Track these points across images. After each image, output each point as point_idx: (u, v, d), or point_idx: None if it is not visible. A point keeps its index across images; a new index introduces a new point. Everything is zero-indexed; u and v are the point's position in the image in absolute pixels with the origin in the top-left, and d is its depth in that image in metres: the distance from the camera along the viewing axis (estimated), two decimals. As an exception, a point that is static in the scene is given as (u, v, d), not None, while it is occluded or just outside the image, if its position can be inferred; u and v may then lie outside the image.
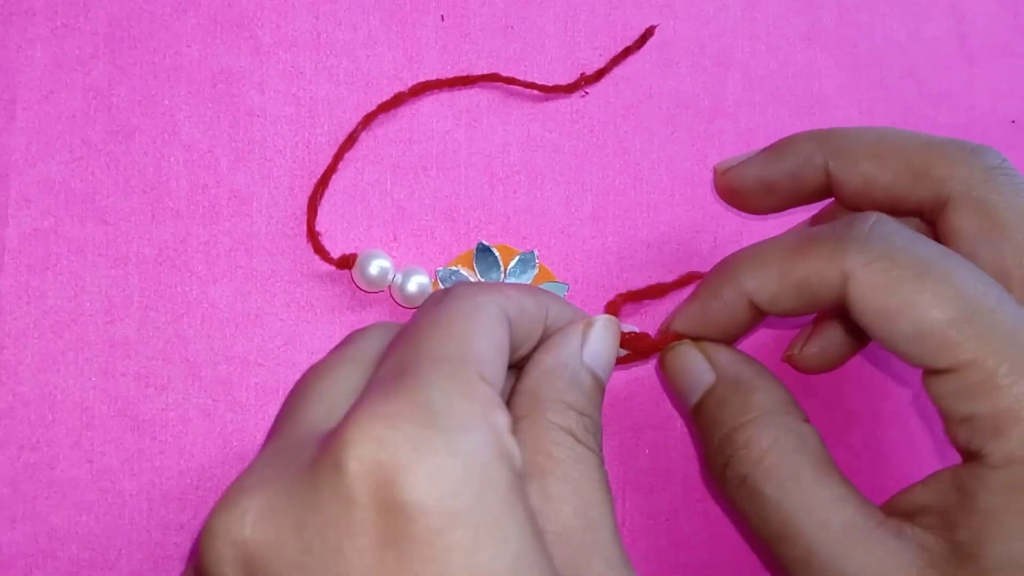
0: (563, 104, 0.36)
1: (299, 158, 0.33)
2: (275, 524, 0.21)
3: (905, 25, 0.39)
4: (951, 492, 0.26)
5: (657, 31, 0.36)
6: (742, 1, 0.38)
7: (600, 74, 0.36)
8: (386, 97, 0.34)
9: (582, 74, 0.35)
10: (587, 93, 0.36)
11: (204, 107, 0.33)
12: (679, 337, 0.30)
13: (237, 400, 0.32)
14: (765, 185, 0.31)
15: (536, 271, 0.34)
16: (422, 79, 0.34)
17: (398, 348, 0.23)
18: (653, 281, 0.35)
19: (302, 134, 0.33)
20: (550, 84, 0.35)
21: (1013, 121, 0.40)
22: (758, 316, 0.29)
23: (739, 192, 0.32)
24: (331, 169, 0.33)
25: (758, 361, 0.30)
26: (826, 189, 0.30)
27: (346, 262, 0.32)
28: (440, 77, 0.34)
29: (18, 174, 0.32)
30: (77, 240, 0.32)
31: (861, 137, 0.30)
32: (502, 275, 0.33)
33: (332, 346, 0.32)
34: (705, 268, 0.36)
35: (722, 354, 0.30)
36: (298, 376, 0.32)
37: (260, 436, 0.32)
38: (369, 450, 0.20)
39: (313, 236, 0.32)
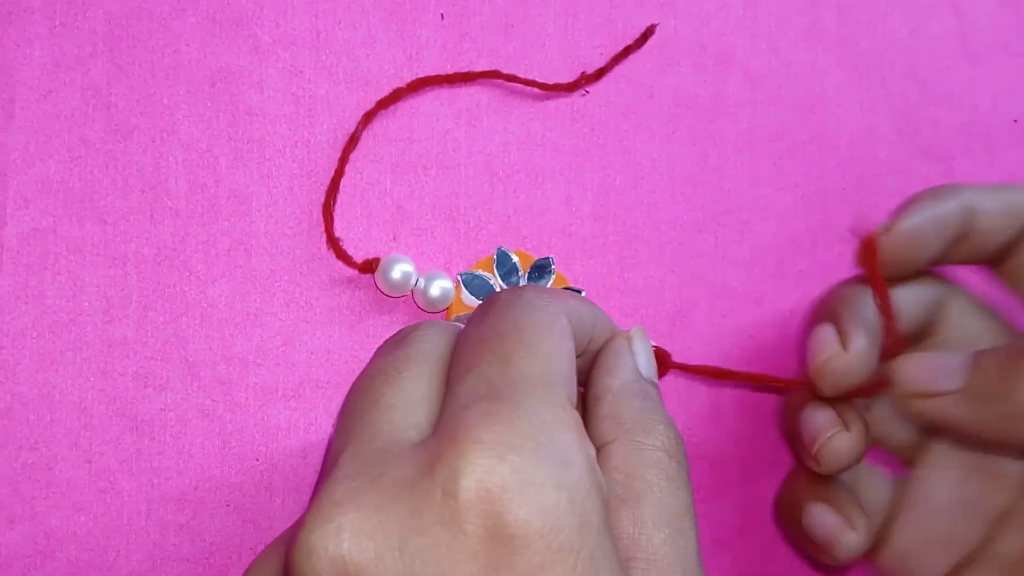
0: (563, 103, 0.35)
1: (298, 157, 0.33)
2: (375, 543, 0.21)
3: (906, 24, 0.39)
4: None
5: (658, 30, 0.36)
6: (743, 0, 0.38)
7: (601, 73, 0.36)
8: (385, 96, 0.34)
9: (583, 73, 0.35)
10: (588, 92, 0.36)
11: (203, 106, 0.33)
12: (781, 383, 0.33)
13: (236, 400, 0.32)
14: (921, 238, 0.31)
15: (553, 277, 0.34)
16: (421, 77, 0.34)
17: (480, 360, 0.23)
18: (653, 281, 0.35)
19: (301, 133, 0.33)
20: (551, 83, 0.35)
21: (1015, 120, 0.40)
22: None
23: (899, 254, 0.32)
24: (339, 173, 0.33)
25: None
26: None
27: (369, 266, 0.32)
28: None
29: (16, 173, 0.31)
30: (75, 240, 0.32)
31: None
32: (521, 281, 0.33)
33: (332, 346, 0.33)
34: (707, 268, 0.36)
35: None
36: (298, 376, 0.32)
37: (259, 436, 0.32)
38: (478, 480, 0.20)
39: (333, 242, 0.32)
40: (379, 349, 0.27)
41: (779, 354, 0.36)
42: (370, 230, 0.33)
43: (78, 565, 0.31)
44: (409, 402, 0.24)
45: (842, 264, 0.37)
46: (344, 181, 0.33)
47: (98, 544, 0.31)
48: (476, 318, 0.25)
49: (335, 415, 0.33)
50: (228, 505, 0.32)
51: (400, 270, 0.32)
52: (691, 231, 0.36)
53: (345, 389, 0.33)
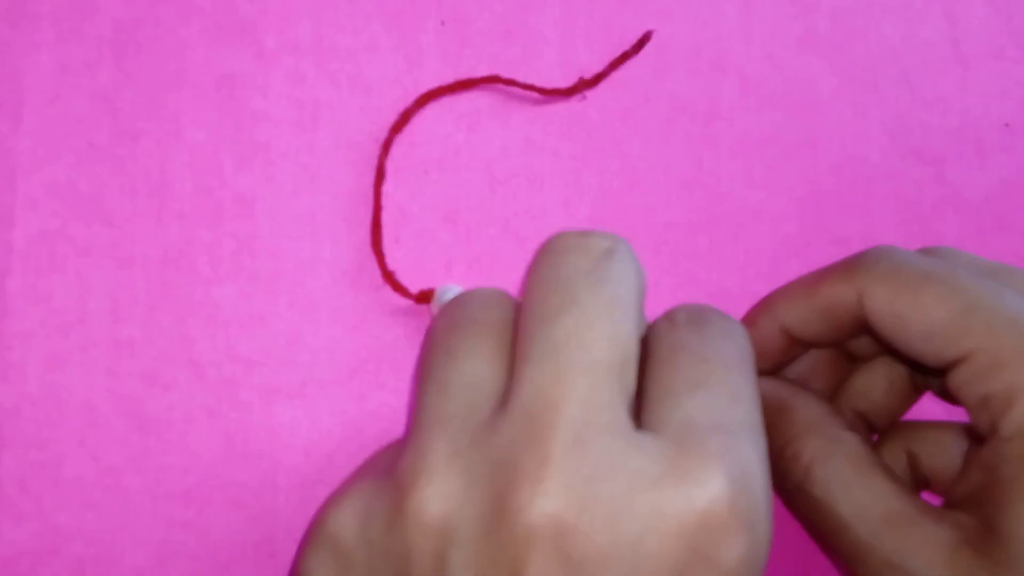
0: (561, 108, 0.36)
1: (302, 161, 0.33)
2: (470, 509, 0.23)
3: (899, 29, 0.39)
4: (980, 472, 0.28)
5: (654, 36, 0.37)
6: (738, 6, 0.38)
7: (598, 78, 0.36)
8: (387, 101, 0.34)
9: (580, 78, 0.36)
10: (585, 97, 0.36)
11: (208, 111, 0.33)
12: None
13: (241, 400, 0.32)
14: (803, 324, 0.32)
15: None
16: (422, 83, 0.34)
17: (709, 385, 0.26)
18: (648, 283, 0.36)
19: (304, 137, 0.34)
20: (549, 88, 0.35)
21: (1006, 124, 0.40)
22: (793, 346, 0.31)
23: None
24: (378, 208, 0.33)
25: (796, 383, 0.32)
26: (798, 343, 0.32)
27: (425, 297, 0.33)
28: (440, 81, 0.35)
29: (25, 177, 0.32)
30: (83, 242, 0.32)
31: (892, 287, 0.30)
32: None
33: (336, 346, 0.33)
34: (702, 270, 0.36)
35: (760, 384, 0.32)
36: (302, 376, 0.32)
37: (264, 435, 0.32)
38: (725, 506, 0.23)
39: (389, 277, 0.33)
40: (445, 315, 0.28)
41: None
42: (371, 232, 0.34)
43: (85, 561, 0.31)
44: (490, 382, 0.25)
45: (835, 266, 0.38)
46: (344, 182, 0.34)
47: (104, 541, 0.31)
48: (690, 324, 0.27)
49: (339, 414, 0.33)
50: (233, 503, 0.32)
51: None
52: (686, 234, 0.36)
53: (348, 388, 0.33)
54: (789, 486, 0.30)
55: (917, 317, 0.28)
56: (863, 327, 0.30)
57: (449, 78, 0.35)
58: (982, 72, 0.40)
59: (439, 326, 0.28)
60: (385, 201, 0.34)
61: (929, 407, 0.33)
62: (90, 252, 0.32)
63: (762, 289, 0.37)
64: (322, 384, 0.33)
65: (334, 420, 0.33)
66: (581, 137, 0.36)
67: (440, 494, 0.23)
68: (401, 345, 0.33)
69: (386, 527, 0.24)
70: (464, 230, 0.34)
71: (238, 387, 0.32)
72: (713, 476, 0.23)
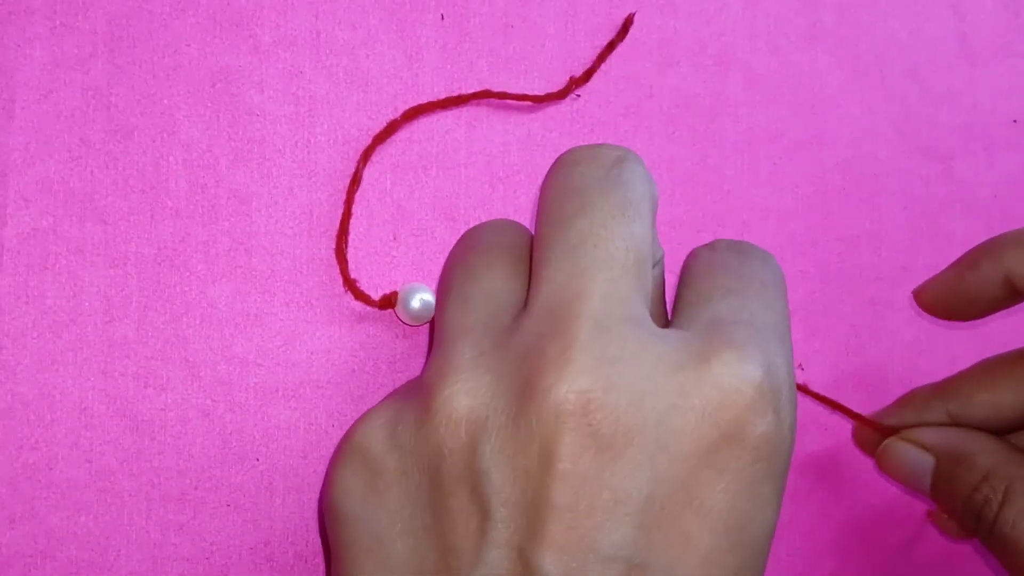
0: (563, 104, 0.35)
1: (298, 157, 0.33)
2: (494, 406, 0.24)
3: (906, 24, 0.39)
4: None
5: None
6: (743, 0, 0.38)
7: (589, 73, 0.35)
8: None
9: (571, 77, 0.35)
10: (579, 95, 0.36)
11: (203, 106, 0.33)
12: (885, 431, 0.33)
13: (236, 400, 0.32)
14: (954, 301, 0.33)
15: None
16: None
17: (742, 295, 0.27)
18: (653, 281, 0.35)
19: (301, 133, 0.33)
20: (550, 84, 0.35)
21: (1015, 121, 0.40)
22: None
23: (937, 309, 0.34)
24: (347, 215, 0.32)
25: (962, 427, 0.32)
26: (1015, 294, 0.32)
27: (388, 302, 0.32)
28: (439, 76, 0.34)
29: (16, 174, 0.31)
30: (76, 240, 0.32)
31: None
32: None
33: (332, 347, 0.33)
34: (705, 268, 0.36)
35: (928, 435, 0.32)
36: (298, 376, 0.32)
37: (260, 436, 0.32)
38: (754, 386, 0.24)
39: (350, 284, 0.32)
40: (463, 240, 0.29)
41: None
42: (370, 230, 0.33)
43: (78, 565, 0.31)
44: (508, 286, 0.26)
45: (842, 264, 0.37)
46: (342, 179, 0.33)
47: (98, 544, 0.31)
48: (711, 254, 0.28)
49: (335, 415, 0.33)
50: (228, 505, 0.32)
51: (420, 299, 0.32)
52: (690, 231, 0.36)
53: (345, 389, 0.33)
54: (982, 531, 0.30)
55: None
56: None
57: (449, 72, 0.34)
58: (990, 68, 0.40)
59: (458, 249, 0.29)
60: (384, 198, 0.34)
61: None
62: (83, 250, 0.32)
63: (767, 288, 0.37)
64: (319, 384, 0.33)
65: (331, 421, 0.33)
66: (583, 133, 0.35)
67: (467, 389, 0.24)
68: (400, 345, 0.33)
69: (416, 429, 0.25)
70: (464, 227, 0.34)
71: (233, 388, 0.32)
72: (739, 359, 0.23)
